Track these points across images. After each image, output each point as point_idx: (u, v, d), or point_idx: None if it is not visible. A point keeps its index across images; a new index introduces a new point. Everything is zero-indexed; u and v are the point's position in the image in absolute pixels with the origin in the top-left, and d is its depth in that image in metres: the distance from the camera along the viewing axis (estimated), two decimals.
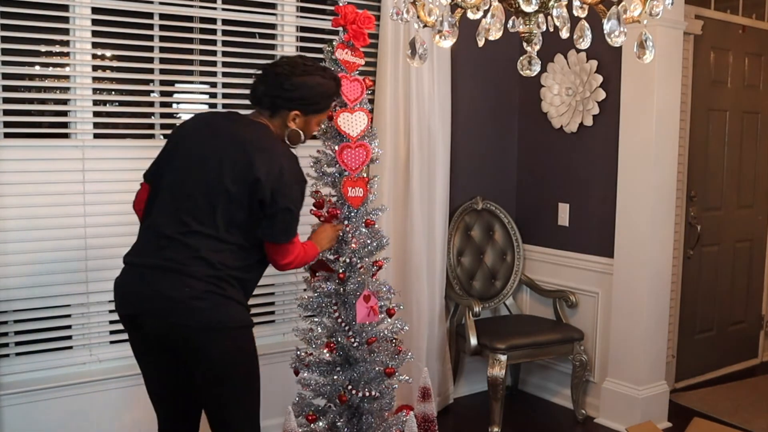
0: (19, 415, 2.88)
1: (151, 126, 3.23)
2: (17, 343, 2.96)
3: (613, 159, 3.77)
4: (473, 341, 3.71)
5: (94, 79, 3.05)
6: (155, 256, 2.18)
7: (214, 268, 2.15)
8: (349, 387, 2.60)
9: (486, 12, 1.57)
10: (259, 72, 2.38)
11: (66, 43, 2.99)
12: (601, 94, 3.81)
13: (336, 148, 2.63)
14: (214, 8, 3.26)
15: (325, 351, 2.62)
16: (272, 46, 3.46)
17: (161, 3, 3.12)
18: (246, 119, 2.35)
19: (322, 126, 2.62)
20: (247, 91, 3.36)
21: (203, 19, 3.24)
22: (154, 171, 2.36)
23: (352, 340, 2.61)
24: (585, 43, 1.58)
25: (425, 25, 1.64)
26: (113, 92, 3.20)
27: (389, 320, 2.71)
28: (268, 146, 2.25)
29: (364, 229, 2.65)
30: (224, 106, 3.34)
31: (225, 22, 3.30)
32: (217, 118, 2.38)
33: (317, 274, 2.69)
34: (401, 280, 3.69)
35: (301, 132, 2.36)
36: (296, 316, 3.44)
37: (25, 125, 2.97)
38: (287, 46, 3.48)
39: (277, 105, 2.32)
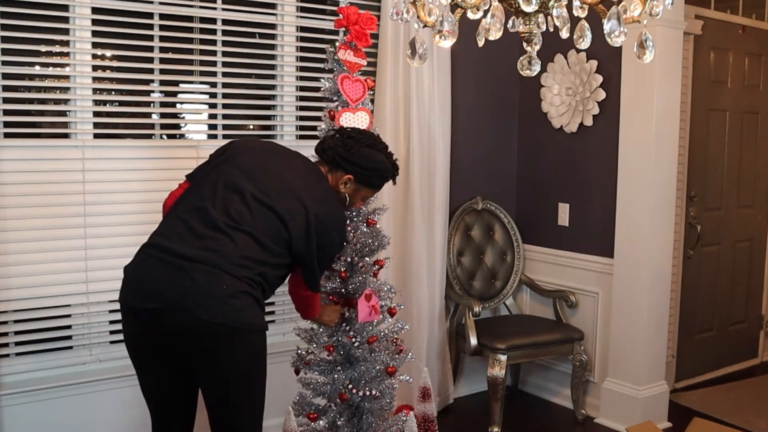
0: (19, 415, 2.88)
1: (151, 126, 3.23)
2: (17, 343, 2.96)
3: (613, 159, 3.77)
4: (473, 341, 3.71)
5: (94, 79, 3.05)
6: (194, 245, 2.12)
7: (251, 270, 2.15)
8: (350, 386, 2.60)
9: (486, 12, 1.57)
10: (335, 129, 2.54)
11: (66, 43, 2.99)
12: (601, 94, 3.81)
13: None
14: (214, 8, 3.26)
15: (324, 350, 2.63)
16: (272, 46, 3.46)
17: (161, 3, 3.12)
18: (310, 162, 2.43)
19: (363, 207, 2.68)
20: (248, 92, 3.40)
21: (203, 19, 3.24)
22: (199, 171, 2.36)
23: (353, 339, 2.61)
24: (585, 43, 1.58)
25: (425, 25, 1.64)
26: (113, 92, 3.20)
27: (390, 320, 2.72)
28: (334, 203, 2.36)
29: (365, 229, 2.65)
30: (224, 106, 3.35)
31: (225, 22, 3.30)
32: (281, 148, 2.46)
33: None
34: (401, 280, 3.69)
35: (347, 197, 2.46)
36: (297, 316, 3.44)
37: (25, 125, 2.97)
38: (287, 46, 3.48)
39: (337, 163, 2.41)
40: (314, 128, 3.39)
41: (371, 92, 3.20)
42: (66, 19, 2.94)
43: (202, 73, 3.31)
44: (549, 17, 1.59)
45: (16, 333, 2.96)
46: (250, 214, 2.19)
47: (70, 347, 3.08)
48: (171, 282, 2.10)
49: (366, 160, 2.42)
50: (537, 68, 1.65)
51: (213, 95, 3.34)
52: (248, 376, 2.21)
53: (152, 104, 3.25)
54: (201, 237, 2.14)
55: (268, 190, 2.23)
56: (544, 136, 4.17)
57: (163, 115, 3.26)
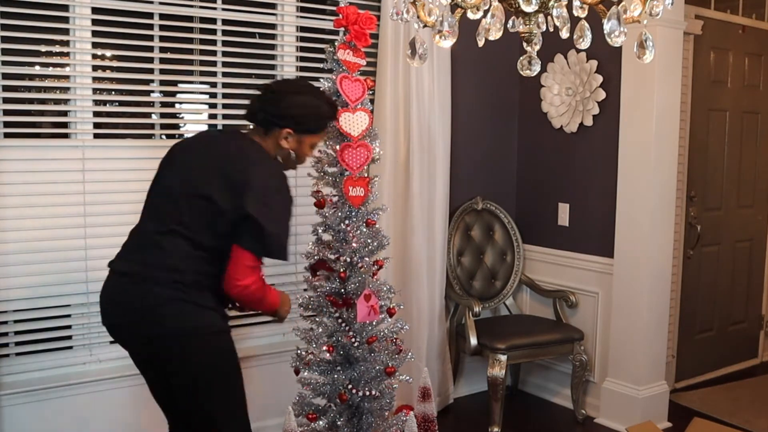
0: (19, 415, 2.88)
1: (151, 126, 3.23)
2: (17, 343, 2.96)
3: (613, 159, 3.77)
4: (473, 341, 3.71)
5: (94, 79, 3.05)
6: (131, 260, 2.23)
7: (182, 272, 2.14)
8: (350, 386, 2.59)
9: (486, 12, 1.57)
10: (258, 90, 2.43)
11: (66, 43, 2.99)
12: (601, 94, 3.81)
13: (337, 147, 2.63)
14: (214, 8, 3.26)
15: (324, 350, 2.63)
16: (272, 46, 3.46)
17: (161, 3, 3.12)
18: (241, 134, 2.39)
19: (317, 152, 2.63)
20: (248, 92, 3.40)
21: (203, 19, 3.24)
22: (152, 184, 2.39)
23: (353, 339, 2.61)
24: (585, 43, 1.58)
25: (425, 25, 1.63)
26: (113, 92, 3.20)
27: (389, 320, 2.71)
28: (257, 159, 2.26)
29: (364, 229, 2.65)
30: (224, 106, 3.35)
31: (225, 22, 3.30)
32: (214, 133, 2.48)
33: (318, 273, 2.69)
34: (401, 280, 3.69)
35: (292, 152, 2.38)
36: (296, 316, 3.44)
37: (25, 125, 2.97)
38: (287, 46, 3.48)
39: (270, 122, 2.33)
40: None
41: (371, 92, 3.21)
42: (66, 19, 2.94)
43: (202, 73, 3.31)
44: (549, 17, 1.59)
45: (16, 333, 2.96)
46: (178, 210, 2.19)
47: (70, 347, 3.08)
48: (116, 300, 2.22)
49: (296, 108, 2.33)
50: (537, 68, 1.65)
51: (213, 95, 3.34)
52: (211, 381, 2.19)
53: (152, 104, 3.25)
54: (134, 251, 2.23)
55: (192, 178, 2.22)
56: (544, 136, 4.17)
57: (163, 115, 3.26)
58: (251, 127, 2.42)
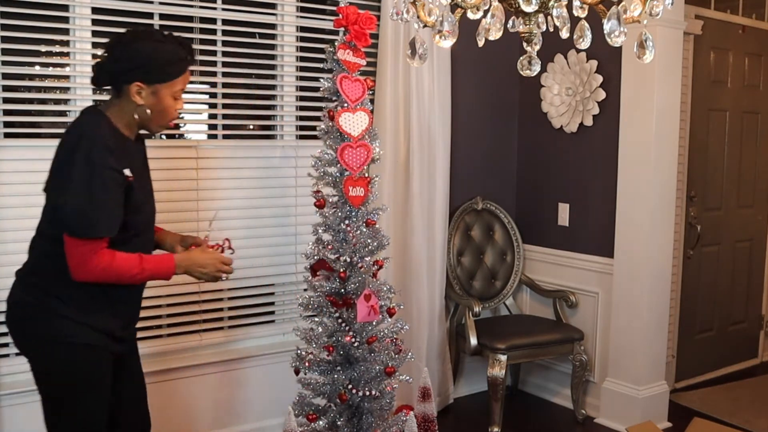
0: (19, 415, 2.88)
1: None
2: None
3: (613, 159, 3.78)
4: (473, 341, 3.71)
5: None
6: None
7: (38, 274, 2.12)
8: (350, 386, 2.60)
9: (486, 12, 1.57)
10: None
11: (66, 43, 2.99)
12: (601, 94, 3.81)
13: (337, 147, 2.63)
14: (214, 8, 3.26)
15: (324, 351, 2.63)
16: (272, 46, 3.46)
17: (161, 3, 3.12)
18: (85, 110, 2.17)
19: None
20: (248, 92, 3.40)
21: (203, 19, 3.24)
22: None
23: (353, 339, 2.61)
24: (585, 43, 1.57)
25: (425, 25, 1.63)
26: None
27: (389, 320, 2.71)
28: (68, 132, 2.08)
29: (364, 229, 2.65)
30: (224, 106, 3.35)
31: (225, 22, 3.30)
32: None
33: (318, 273, 2.69)
34: (401, 280, 3.69)
35: (148, 110, 2.10)
36: (296, 316, 3.44)
37: (25, 125, 2.97)
38: (287, 46, 3.48)
39: (116, 80, 2.09)
40: (314, 128, 3.39)
41: (371, 92, 3.20)
42: (66, 19, 2.94)
43: (202, 73, 3.31)
44: (549, 17, 1.59)
45: None
46: (44, 214, 2.15)
47: None
48: None
49: (136, 58, 2.05)
50: (537, 68, 1.65)
51: (213, 95, 3.34)
52: (50, 392, 2.11)
53: None
54: None
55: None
56: (544, 136, 4.17)
57: None
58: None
